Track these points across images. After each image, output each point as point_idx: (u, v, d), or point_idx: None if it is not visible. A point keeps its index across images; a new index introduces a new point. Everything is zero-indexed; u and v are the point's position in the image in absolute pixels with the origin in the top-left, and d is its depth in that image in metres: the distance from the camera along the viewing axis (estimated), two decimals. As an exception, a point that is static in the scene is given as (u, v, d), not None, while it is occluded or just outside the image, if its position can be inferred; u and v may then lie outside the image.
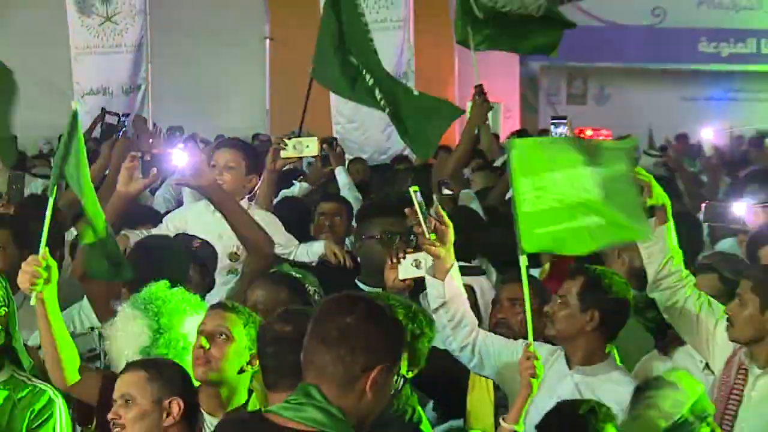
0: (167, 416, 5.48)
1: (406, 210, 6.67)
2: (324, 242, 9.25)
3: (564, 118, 16.24)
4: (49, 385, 6.18)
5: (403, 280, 6.77)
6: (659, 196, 6.69)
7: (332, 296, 4.72)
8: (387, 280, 6.96)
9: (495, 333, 6.65)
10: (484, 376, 6.62)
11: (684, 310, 6.62)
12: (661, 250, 6.66)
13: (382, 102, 12.97)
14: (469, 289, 7.17)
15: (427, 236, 6.05)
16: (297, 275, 7.87)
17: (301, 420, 4.01)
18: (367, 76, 13.04)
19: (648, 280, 6.74)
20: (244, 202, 9.10)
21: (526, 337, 6.33)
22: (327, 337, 4.15)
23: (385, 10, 16.33)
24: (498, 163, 14.82)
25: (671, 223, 6.67)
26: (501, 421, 5.74)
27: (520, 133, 17.90)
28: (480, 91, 10.77)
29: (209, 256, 8.01)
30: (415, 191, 6.15)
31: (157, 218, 9.40)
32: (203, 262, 7.72)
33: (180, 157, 8.06)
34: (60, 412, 6.09)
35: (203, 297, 7.00)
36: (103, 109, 17.02)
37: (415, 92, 13.31)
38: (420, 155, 13.50)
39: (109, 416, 5.57)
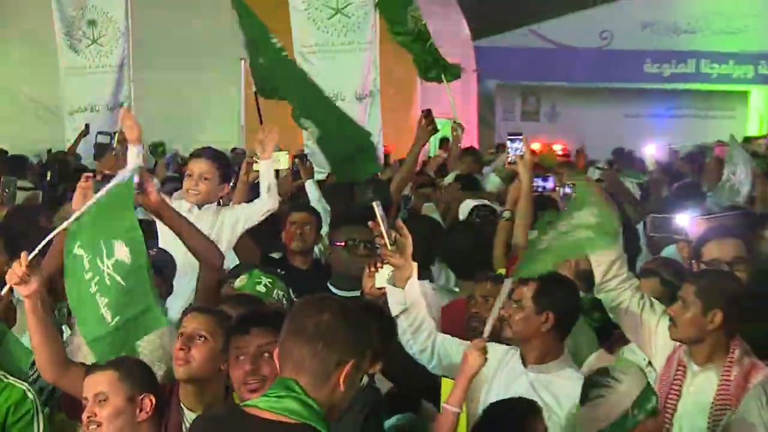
0: (140, 412, 5.51)
1: (369, 223, 6.66)
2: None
3: (520, 133, 16.32)
4: (23, 381, 6.24)
5: (379, 288, 6.72)
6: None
7: (308, 297, 4.86)
8: (365, 287, 6.99)
9: (469, 325, 6.75)
10: (444, 376, 6.59)
11: (628, 310, 6.61)
12: (608, 254, 6.62)
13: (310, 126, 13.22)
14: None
15: (389, 247, 6.07)
16: (267, 279, 7.74)
17: (280, 412, 4.06)
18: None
19: (595, 282, 6.71)
20: (213, 206, 9.18)
21: (496, 332, 6.46)
22: (304, 334, 4.22)
23: (353, 33, 16.32)
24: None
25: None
26: (443, 403, 5.79)
27: (469, 150, 18.01)
28: (426, 114, 10.82)
29: (166, 263, 7.98)
30: (377, 205, 6.17)
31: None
32: (161, 269, 7.64)
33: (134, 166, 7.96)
34: (36, 407, 6.12)
35: (163, 303, 7.25)
36: (86, 125, 17.34)
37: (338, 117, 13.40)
38: (341, 178, 13.30)
39: (85, 415, 5.58)
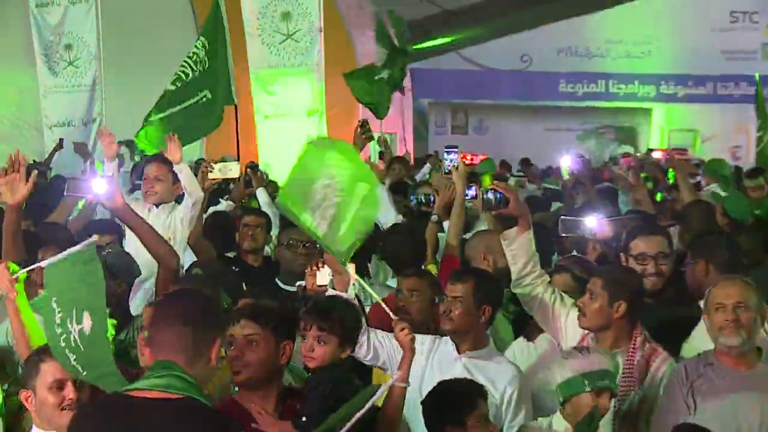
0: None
1: None
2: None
3: (456, 146, 16.46)
4: None
5: (320, 285, 6.68)
6: (521, 207, 6.88)
7: (171, 291, 5.52)
8: (307, 284, 6.91)
9: (396, 317, 6.32)
10: (379, 368, 6.59)
11: (542, 303, 6.72)
12: (524, 253, 6.72)
13: None
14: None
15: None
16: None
17: (163, 389, 4.19)
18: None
19: (512, 278, 6.81)
20: (170, 205, 9.34)
21: (422, 322, 6.77)
22: (176, 320, 4.41)
23: (301, 56, 16.40)
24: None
25: (531, 231, 6.75)
26: (392, 381, 5.64)
27: (398, 159, 18.14)
28: (362, 124, 10.87)
29: (127, 266, 7.97)
30: None
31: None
32: (120, 271, 7.66)
33: (99, 185, 7.87)
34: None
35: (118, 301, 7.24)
36: (60, 140, 17.30)
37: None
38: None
39: (71, 397, 5.38)
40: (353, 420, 4.97)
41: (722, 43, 32.26)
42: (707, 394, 5.77)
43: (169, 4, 23.97)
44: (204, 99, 13.64)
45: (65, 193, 9.05)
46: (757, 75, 15.72)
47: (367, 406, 5.02)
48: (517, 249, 6.77)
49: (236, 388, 5.72)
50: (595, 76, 31.83)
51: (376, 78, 15.43)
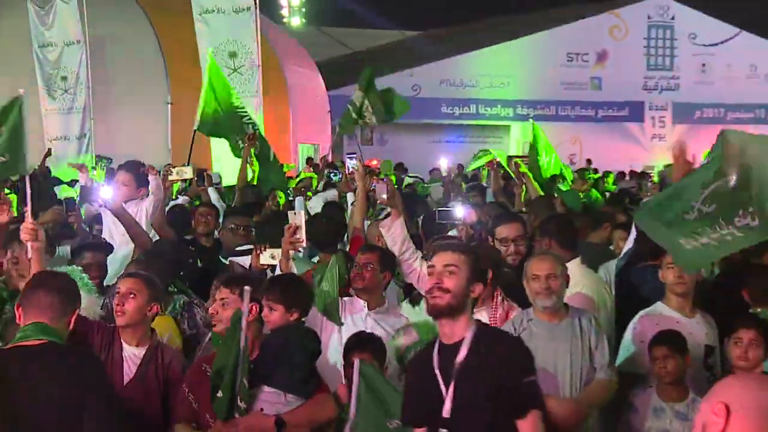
0: None
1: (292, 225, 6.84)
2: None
3: (355, 153, 16.57)
4: None
5: (262, 265, 6.73)
6: (393, 201, 7.02)
7: (40, 271, 5.37)
8: (252, 263, 6.92)
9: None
10: None
11: (420, 275, 6.59)
12: (399, 236, 6.70)
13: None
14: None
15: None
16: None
17: (37, 338, 4.36)
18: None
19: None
20: (136, 202, 9.07)
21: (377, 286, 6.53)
22: (49, 291, 4.59)
23: (245, 85, 16.40)
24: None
25: (401, 219, 6.76)
26: None
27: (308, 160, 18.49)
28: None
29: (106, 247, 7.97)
30: (296, 213, 6.28)
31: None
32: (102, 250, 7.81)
33: (107, 192, 8.27)
34: None
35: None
36: (49, 149, 16.91)
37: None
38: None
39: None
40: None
41: (561, 77, 32.49)
42: (530, 340, 5.66)
43: (143, 49, 23.75)
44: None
45: (78, 200, 9.51)
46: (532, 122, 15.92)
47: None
48: (393, 234, 6.72)
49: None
50: (468, 101, 31.89)
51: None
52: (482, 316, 6.15)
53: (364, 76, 15.18)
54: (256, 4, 16.98)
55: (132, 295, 5.59)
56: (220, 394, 5.00)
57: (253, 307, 5.33)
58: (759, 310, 6.23)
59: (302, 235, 6.90)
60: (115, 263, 7.72)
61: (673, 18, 33.59)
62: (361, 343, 5.55)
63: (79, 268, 6.84)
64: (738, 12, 34.99)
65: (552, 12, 35.75)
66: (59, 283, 4.74)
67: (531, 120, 16.53)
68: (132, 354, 5.44)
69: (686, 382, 5.77)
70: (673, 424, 5.70)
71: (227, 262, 8.15)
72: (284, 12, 43.05)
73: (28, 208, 5.99)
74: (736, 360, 5.65)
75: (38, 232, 5.75)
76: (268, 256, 6.68)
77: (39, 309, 4.44)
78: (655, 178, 21.12)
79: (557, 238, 7.13)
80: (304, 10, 45.42)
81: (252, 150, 12.97)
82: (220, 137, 13.99)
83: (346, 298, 6.51)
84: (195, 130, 14.23)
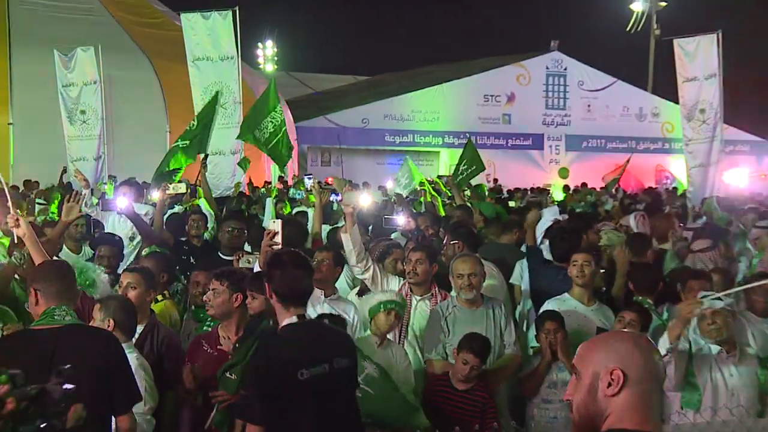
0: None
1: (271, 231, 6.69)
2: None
3: (311, 174, 16.59)
4: None
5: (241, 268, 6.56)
6: (347, 213, 6.77)
7: (48, 260, 5.13)
8: (234, 264, 6.70)
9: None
10: None
11: (374, 272, 6.71)
12: (354, 242, 6.61)
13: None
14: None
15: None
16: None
17: (57, 323, 4.07)
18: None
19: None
20: (140, 205, 9.54)
21: (331, 279, 6.60)
22: (64, 278, 4.32)
23: (227, 117, 16.23)
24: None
25: (355, 228, 6.67)
26: None
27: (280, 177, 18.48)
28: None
29: (117, 242, 7.97)
30: (274, 221, 6.17)
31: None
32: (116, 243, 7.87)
33: (122, 202, 8.41)
34: None
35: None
36: (64, 167, 17.60)
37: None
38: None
39: None
40: None
41: (479, 113, 32.45)
42: (454, 324, 5.91)
43: (147, 88, 23.65)
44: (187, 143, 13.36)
45: (100, 209, 10.03)
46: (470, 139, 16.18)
47: None
48: (348, 240, 6.64)
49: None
50: (406, 132, 31.77)
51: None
52: (425, 304, 6.32)
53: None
54: (238, 54, 16.95)
55: (132, 287, 5.63)
56: (231, 375, 4.90)
57: (239, 296, 5.28)
58: (640, 298, 6.39)
59: (279, 239, 6.96)
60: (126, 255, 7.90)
61: (565, 69, 33.78)
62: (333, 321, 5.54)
63: (94, 265, 6.75)
64: (615, 66, 35.67)
65: (472, 63, 35.98)
66: (68, 270, 4.51)
67: (468, 137, 16.63)
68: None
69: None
70: (558, 375, 5.76)
71: (231, 258, 7.84)
72: (260, 60, 43.08)
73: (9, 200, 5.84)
74: None
75: (19, 220, 5.60)
76: (245, 261, 6.63)
77: (55, 297, 4.20)
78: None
79: (466, 240, 7.30)
80: (276, 58, 45.46)
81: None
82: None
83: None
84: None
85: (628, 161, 24.26)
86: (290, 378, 4.00)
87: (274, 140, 13.56)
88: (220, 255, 8.21)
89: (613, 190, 21.43)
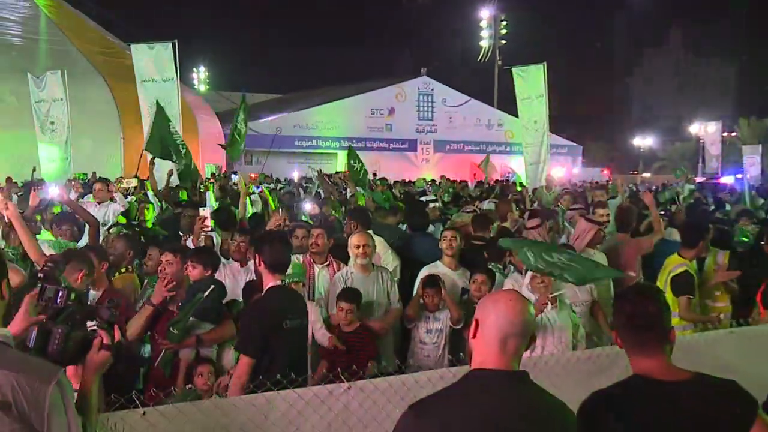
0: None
1: (202, 217, 6.55)
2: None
3: (236, 171, 16.40)
4: None
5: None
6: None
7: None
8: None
9: None
10: None
11: None
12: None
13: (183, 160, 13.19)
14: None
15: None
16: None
17: None
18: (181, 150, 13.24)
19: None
20: (107, 204, 9.05)
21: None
22: None
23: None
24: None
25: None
26: None
27: (212, 174, 18.24)
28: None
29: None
30: (204, 209, 6.09)
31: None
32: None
33: (53, 190, 7.85)
34: None
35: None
36: (34, 167, 16.93)
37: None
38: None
39: None
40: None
41: (367, 123, 32.55)
42: (352, 285, 5.70)
43: (104, 104, 23.12)
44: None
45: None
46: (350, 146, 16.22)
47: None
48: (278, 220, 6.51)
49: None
50: (311, 138, 31.62)
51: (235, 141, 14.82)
52: (325, 271, 6.04)
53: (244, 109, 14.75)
54: (177, 76, 16.86)
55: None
56: (174, 330, 4.67)
57: (186, 266, 5.08)
58: (492, 264, 6.25)
59: (209, 222, 6.81)
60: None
61: (432, 90, 34.17)
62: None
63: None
64: (469, 87, 36.47)
65: (362, 85, 36.02)
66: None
67: (350, 146, 16.63)
68: (93, 294, 5.02)
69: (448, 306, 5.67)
70: (433, 323, 5.66)
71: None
72: (195, 81, 42.25)
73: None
74: (473, 293, 5.69)
75: (8, 203, 5.33)
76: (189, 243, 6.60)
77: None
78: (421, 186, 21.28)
79: (359, 221, 6.93)
80: (207, 80, 44.67)
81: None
82: (162, 157, 13.49)
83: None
84: (142, 153, 14.10)
85: (487, 160, 24.58)
86: (277, 325, 3.97)
87: (184, 150, 13.54)
88: (180, 233, 7.79)
89: (475, 183, 21.87)
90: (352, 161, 14.45)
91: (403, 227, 8.13)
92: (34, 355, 2.29)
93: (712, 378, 2.39)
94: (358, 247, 5.75)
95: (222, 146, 15.34)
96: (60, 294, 2.45)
